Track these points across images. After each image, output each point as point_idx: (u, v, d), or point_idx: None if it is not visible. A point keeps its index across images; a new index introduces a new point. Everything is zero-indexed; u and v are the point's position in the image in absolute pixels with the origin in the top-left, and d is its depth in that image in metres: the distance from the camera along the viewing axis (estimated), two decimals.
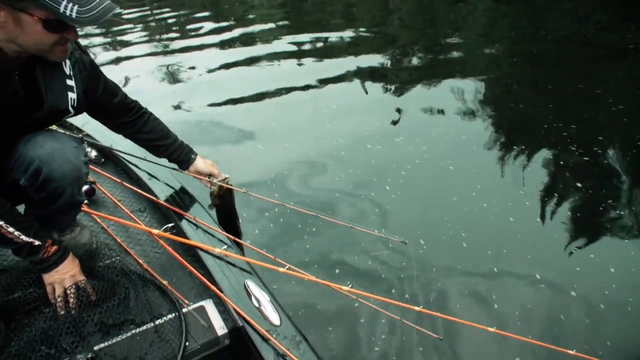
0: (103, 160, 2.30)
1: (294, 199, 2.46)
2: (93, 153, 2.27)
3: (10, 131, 1.28)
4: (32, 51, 1.19)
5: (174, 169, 1.96)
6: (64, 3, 1.07)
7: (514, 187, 2.60)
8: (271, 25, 7.08)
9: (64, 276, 1.36)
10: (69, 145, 1.34)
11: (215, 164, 1.87)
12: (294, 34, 6.42)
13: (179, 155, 1.80)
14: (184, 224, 1.75)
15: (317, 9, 8.35)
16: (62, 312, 1.33)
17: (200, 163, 1.83)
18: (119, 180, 2.11)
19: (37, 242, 1.29)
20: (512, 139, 3.14)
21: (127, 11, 9.93)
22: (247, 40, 6.30)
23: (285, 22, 7.51)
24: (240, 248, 1.78)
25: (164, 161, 1.99)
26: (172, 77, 5.23)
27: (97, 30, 8.42)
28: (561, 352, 1.18)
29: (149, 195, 1.95)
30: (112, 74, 5.80)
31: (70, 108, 1.38)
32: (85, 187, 1.97)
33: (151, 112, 1.78)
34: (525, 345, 1.50)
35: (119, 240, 1.76)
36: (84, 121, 2.35)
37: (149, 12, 9.59)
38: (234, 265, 1.58)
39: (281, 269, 1.51)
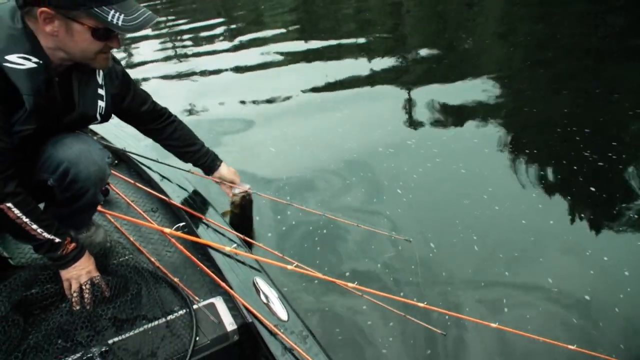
0: (116, 162, 2.36)
1: (304, 200, 2.49)
2: None
3: (42, 134, 1.34)
4: (77, 59, 1.28)
5: (187, 170, 2.01)
6: (112, 12, 1.16)
7: (526, 190, 2.57)
8: (283, 30, 7.15)
9: (80, 272, 1.41)
10: (94, 148, 1.42)
11: (238, 173, 1.96)
12: (305, 39, 6.48)
13: (205, 161, 1.90)
14: (194, 224, 1.79)
15: (328, 12, 8.40)
16: (78, 307, 1.38)
17: (224, 170, 1.93)
18: (132, 181, 2.16)
19: (57, 240, 1.34)
20: (525, 142, 3.11)
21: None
22: (259, 45, 6.35)
23: (297, 27, 7.57)
24: (249, 246, 1.82)
25: (175, 162, 2.05)
26: (185, 81, 5.30)
27: None
28: (565, 349, 1.18)
29: (161, 196, 2.00)
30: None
31: (98, 115, 1.45)
32: None
33: (180, 120, 1.86)
34: (530, 344, 1.49)
35: (131, 239, 1.80)
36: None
37: (163, 18, 9.74)
38: (243, 263, 1.61)
39: (289, 267, 1.54)
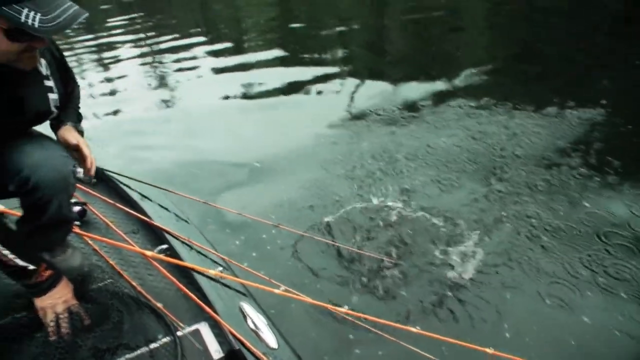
0: (94, 181, 2.27)
1: (289, 221, 2.45)
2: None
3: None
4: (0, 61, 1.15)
5: (169, 190, 1.96)
6: (25, 12, 1.01)
7: (521, 212, 2.58)
8: (264, 39, 7.17)
9: (57, 301, 1.33)
10: (57, 154, 1.35)
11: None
12: (284, 50, 6.52)
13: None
14: (177, 246, 1.73)
15: (309, 33, 8.48)
16: (54, 338, 1.30)
17: (68, 132, 1.49)
18: (111, 201, 2.09)
19: (31, 267, 1.27)
20: (515, 161, 3.13)
21: (115, 21, 9.96)
22: (240, 61, 6.34)
23: (276, 35, 7.61)
24: (234, 269, 1.77)
25: (156, 182, 2.00)
26: (166, 99, 5.24)
27: (88, 49, 8.44)
28: None
29: (141, 217, 1.93)
30: (105, 91, 5.80)
31: (53, 108, 1.37)
32: (77, 209, 1.95)
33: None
34: None
35: (111, 262, 1.73)
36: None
37: (140, 28, 9.63)
38: (229, 287, 1.57)
39: (276, 290, 1.50)
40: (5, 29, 1.06)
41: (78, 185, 1.57)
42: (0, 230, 1.25)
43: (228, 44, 7.14)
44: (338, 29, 6.91)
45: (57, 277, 1.35)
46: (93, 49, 8.49)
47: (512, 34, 6.62)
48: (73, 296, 1.38)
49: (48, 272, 1.31)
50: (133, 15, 12.08)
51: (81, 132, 1.53)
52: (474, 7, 8.44)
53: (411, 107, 3.98)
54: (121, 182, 2.16)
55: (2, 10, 1.01)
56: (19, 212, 1.90)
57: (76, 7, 1.06)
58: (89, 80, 6.98)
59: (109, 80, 6.57)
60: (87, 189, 2.17)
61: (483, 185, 2.85)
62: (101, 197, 2.12)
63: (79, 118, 1.59)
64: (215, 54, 6.71)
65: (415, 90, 4.40)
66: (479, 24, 7.34)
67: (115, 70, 6.82)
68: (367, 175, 2.94)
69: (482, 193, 2.75)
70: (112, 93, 5.77)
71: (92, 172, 1.51)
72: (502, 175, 2.91)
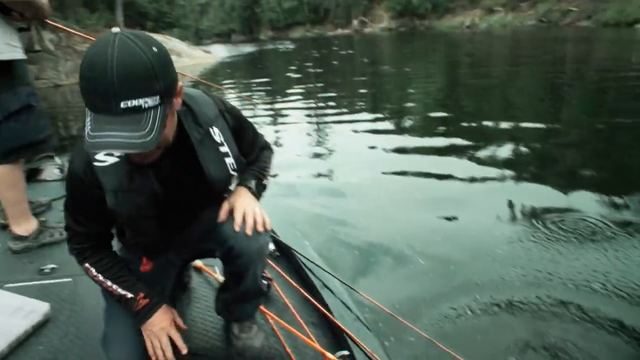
0: (278, 254, 2.36)
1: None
2: (271, 246, 2.35)
3: (190, 205, 1.45)
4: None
5: (356, 290, 1.90)
6: (88, 118, 1.03)
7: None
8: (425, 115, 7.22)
9: (154, 328, 1.38)
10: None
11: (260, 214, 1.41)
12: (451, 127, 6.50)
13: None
14: (358, 354, 1.64)
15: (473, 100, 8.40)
16: None
17: (234, 195, 1.45)
18: (291, 280, 2.12)
19: (129, 295, 1.38)
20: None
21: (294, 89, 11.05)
22: (403, 143, 6.43)
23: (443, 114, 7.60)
24: None
25: (341, 275, 1.97)
26: (325, 172, 5.50)
27: (266, 111, 9.43)
28: None
29: (321, 308, 1.90)
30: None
31: (232, 172, 1.40)
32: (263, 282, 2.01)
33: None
34: None
35: (288, 350, 1.71)
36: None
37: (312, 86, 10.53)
38: None
39: None
40: None
41: None
42: (104, 264, 1.38)
43: (392, 126, 7.33)
44: (508, 126, 6.63)
45: (155, 305, 1.41)
46: (270, 112, 9.47)
47: None
48: (172, 325, 1.43)
49: (145, 301, 1.39)
50: (310, 85, 13.32)
51: (256, 194, 1.50)
52: None
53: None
54: (304, 264, 2.18)
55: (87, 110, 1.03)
56: (214, 273, 2.06)
57: (114, 141, 0.99)
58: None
59: (276, 144, 7.18)
60: (271, 263, 2.24)
61: None
62: (283, 274, 2.17)
63: (259, 179, 1.54)
64: (378, 131, 6.92)
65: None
66: None
67: (282, 134, 7.38)
68: (556, 303, 2.50)
69: None
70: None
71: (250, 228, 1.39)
72: None
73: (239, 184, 1.49)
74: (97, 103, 0.99)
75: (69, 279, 2.13)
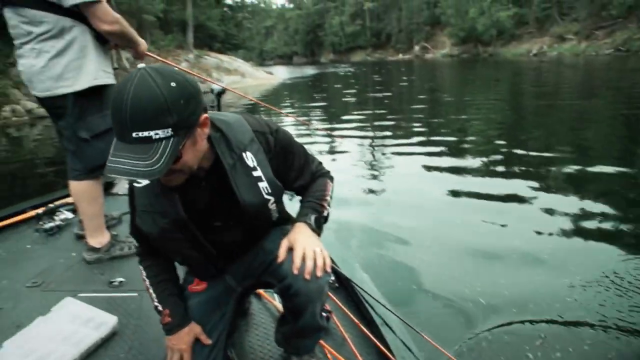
0: (337, 285, 2.33)
1: None
2: (331, 277, 2.33)
3: (230, 231, 1.47)
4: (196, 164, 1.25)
5: (417, 330, 1.84)
6: (114, 142, 1.13)
7: None
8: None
9: (172, 346, 1.49)
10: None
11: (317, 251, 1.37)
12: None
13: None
14: None
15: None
16: None
17: (293, 231, 1.43)
18: (350, 314, 2.08)
19: (159, 307, 1.50)
20: None
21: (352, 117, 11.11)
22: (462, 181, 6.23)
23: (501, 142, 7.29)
24: None
25: (402, 313, 1.91)
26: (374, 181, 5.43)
27: (322, 138, 9.52)
28: None
29: (381, 346, 1.85)
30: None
31: (267, 196, 1.39)
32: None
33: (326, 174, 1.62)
34: None
35: None
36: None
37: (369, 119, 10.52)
38: None
39: None
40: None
41: None
42: (153, 273, 1.52)
43: (453, 159, 7.12)
44: (580, 167, 6.17)
45: (176, 326, 1.49)
46: (327, 137, 9.54)
47: None
48: (189, 347, 1.49)
49: (168, 319, 1.48)
50: (368, 111, 13.35)
51: (316, 230, 1.46)
52: None
53: None
54: (363, 298, 2.14)
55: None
56: (274, 300, 2.07)
57: (132, 169, 1.07)
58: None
59: (332, 172, 7.14)
60: (330, 294, 2.22)
61: None
62: (341, 306, 2.13)
63: (318, 212, 1.49)
64: (438, 164, 6.74)
65: None
66: None
67: (339, 161, 7.36)
68: None
69: None
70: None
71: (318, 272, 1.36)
72: None
73: (298, 220, 1.47)
74: (117, 130, 1.09)
75: (136, 294, 2.22)
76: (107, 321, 1.88)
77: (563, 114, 10.74)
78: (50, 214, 3.15)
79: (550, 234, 3.87)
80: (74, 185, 2.46)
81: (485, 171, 6.08)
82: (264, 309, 2.10)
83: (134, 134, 1.06)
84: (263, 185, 1.37)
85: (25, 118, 15.28)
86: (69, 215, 3.15)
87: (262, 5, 47.87)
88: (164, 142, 1.08)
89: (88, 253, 2.58)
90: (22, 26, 2.16)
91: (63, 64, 2.20)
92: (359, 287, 2.16)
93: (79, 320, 1.87)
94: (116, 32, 2.24)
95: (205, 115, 1.18)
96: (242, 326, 1.92)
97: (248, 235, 1.51)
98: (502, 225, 4.18)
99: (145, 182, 1.32)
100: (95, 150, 2.36)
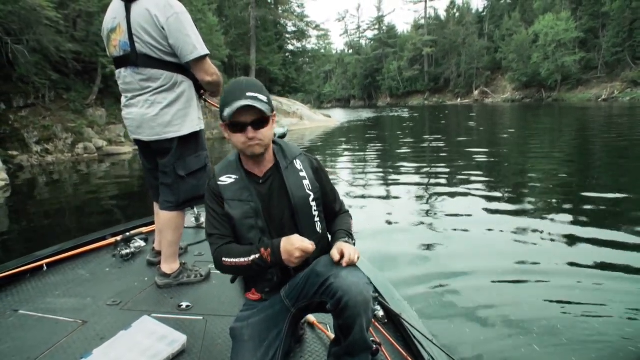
0: (386, 321, 2.42)
1: None
2: (380, 312, 2.43)
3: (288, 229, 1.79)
4: (245, 154, 1.77)
5: None
6: (226, 110, 1.67)
7: None
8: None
9: (290, 253, 1.64)
10: (362, 282, 1.61)
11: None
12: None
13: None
14: None
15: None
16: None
17: (342, 244, 1.73)
18: (400, 348, 2.16)
19: (255, 257, 1.69)
20: None
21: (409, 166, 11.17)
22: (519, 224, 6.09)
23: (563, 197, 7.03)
24: None
25: (451, 351, 1.96)
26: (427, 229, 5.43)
27: (374, 174, 9.62)
28: None
29: None
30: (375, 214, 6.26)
31: (308, 191, 1.82)
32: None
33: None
34: None
35: None
36: (377, 282, 2.57)
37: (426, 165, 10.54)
38: None
39: None
40: (226, 124, 1.73)
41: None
42: (228, 251, 1.75)
43: (508, 207, 6.96)
44: None
45: (276, 246, 1.69)
46: (380, 181, 9.63)
47: None
48: (300, 242, 1.67)
49: (268, 251, 1.69)
50: (423, 155, 13.36)
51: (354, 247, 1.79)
52: None
53: None
54: (412, 335, 2.22)
55: (221, 114, 1.72)
56: (327, 330, 2.20)
57: (251, 102, 1.65)
58: (354, 192, 7.77)
59: (383, 199, 7.15)
60: (380, 328, 2.32)
61: None
62: (393, 341, 2.22)
63: (352, 239, 1.87)
64: (492, 210, 6.63)
65: None
66: None
67: (393, 205, 7.42)
68: None
69: None
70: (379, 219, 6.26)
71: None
72: None
73: (337, 241, 1.79)
74: (235, 95, 1.67)
75: (201, 317, 2.43)
76: (178, 339, 2.10)
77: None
78: (127, 241, 3.49)
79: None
80: (164, 215, 2.80)
81: (542, 228, 5.72)
82: (317, 339, 2.23)
83: (247, 93, 1.66)
84: (306, 182, 1.83)
85: (95, 155, 16.71)
86: (142, 243, 3.48)
87: (323, 51, 49.04)
88: (264, 103, 1.68)
89: (160, 278, 2.85)
90: (140, 82, 2.59)
91: (172, 113, 2.61)
92: (407, 322, 2.24)
93: (154, 336, 2.10)
94: (215, 82, 2.61)
95: (275, 112, 1.79)
96: (297, 352, 2.06)
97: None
98: (563, 273, 4.08)
99: (230, 180, 1.82)
100: (188, 185, 2.72)
